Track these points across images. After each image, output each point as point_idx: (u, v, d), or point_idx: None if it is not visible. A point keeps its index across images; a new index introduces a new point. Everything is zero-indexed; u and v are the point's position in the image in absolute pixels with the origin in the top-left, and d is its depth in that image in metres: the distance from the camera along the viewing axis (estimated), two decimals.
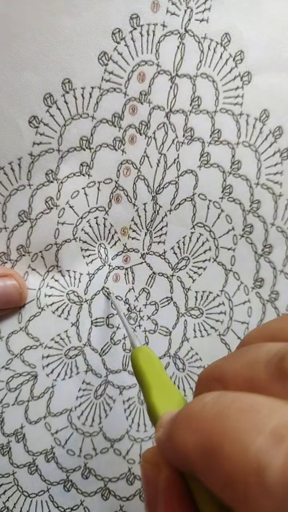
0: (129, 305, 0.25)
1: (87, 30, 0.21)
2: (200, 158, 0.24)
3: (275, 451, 0.09)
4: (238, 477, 0.09)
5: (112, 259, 0.25)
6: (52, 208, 0.23)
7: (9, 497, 0.25)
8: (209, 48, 0.22)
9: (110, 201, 0.24)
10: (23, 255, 0.24)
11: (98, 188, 0.24)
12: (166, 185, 0.24)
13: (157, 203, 0.24)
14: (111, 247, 0.25)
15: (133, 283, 0.25)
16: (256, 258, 0.26)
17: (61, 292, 0.24)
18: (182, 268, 0.25)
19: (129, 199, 0.24)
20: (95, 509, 0.26)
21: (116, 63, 0.22)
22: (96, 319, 0.25)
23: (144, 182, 0.24)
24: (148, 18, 0.22)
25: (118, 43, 0.22)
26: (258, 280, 0.26)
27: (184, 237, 0.25)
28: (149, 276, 0.25)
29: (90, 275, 0.25)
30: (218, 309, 0.26)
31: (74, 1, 0.21)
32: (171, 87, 0.23)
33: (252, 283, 0.26)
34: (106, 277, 0.25)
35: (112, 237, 0.25)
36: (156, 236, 0.25)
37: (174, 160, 0.24)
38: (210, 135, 0.24)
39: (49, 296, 0.24)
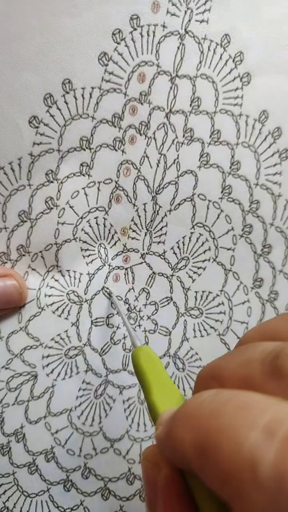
0: (129, 305, 0.25)
1: (87, 30, 0.21)
2: (199, 159, 0.24)
3: (267, 446, 0.09)
4: (233, 473, 0.09)
5: (112, 259, 0.25)
6: (52, 208, 0.23)
7: (9, 497, 0.25)
8: (209, 49, 0.23)
9: (110, 201, 0.24)
10: (23, 255, 0.24)
11: (98, 188, 0.24)
12: (166, 185, 0.24)
13: (157, 203, 0.24)
14: (111, 247, 0.25)
15: (133, 283, 0.25)
16: (256, 258, 0.26)
17: (61, 292, 0.24)
18: (182, 268, 0.26)
19: (129, 199, 0.24)
20: (95, 509, 0.26)
21: (116, 63, 0.22)
22: (96, 319, 0.25)
23: (144, 182, 0.24)
24: (148, 19, 0.22)
25: (118, 43, 0.22)
26: (257, 280, 0.26)
27: (183, 237, 0.25)
28: (149, 276, 0.25)
29: (90, 275, 0.25)
30: (218, 309, 0.26)
31: (75, 2, 0.21)
32: (171, 88, 0.23)
33: (252, 283, 0.26)
34: (106, 277, 0.25)
35: (112, 237, 0.25)
36: (156, 236, 0.25)
37: (174, 160, 0.24)
38: (210, 136, 0.24)
39: (49, 296, 0.24)
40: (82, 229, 0.24)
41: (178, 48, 0.22)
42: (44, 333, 0.24)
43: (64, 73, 0.22)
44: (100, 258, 0.25)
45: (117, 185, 0.24)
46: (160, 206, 0.24)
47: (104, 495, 0.26)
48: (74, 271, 0.24)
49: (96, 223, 0.24)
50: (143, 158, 0.24)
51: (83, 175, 0.23)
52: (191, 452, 0.11)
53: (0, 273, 0.23)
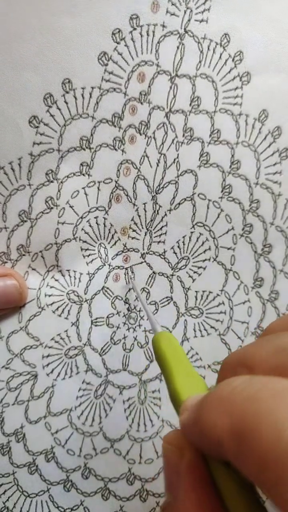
0: (129, 305, 0.25)
1: (87, 30, 0.21)
2: (199, 158, 0.24)
3: None
4: (273, 459, 0.09)
5: (112, 259, 0.25)
6: (52, 208, 0.23)
7: (9, 497, 0.25)
8: (208, 49, 0.23)
9: (110, 201, 0.24)
10: (23, 255, 0.24)
11: (98, 188, 0.24)
12: (166, 185, 0.24)
13: (157, 203, 0.24)
14: (111, 247, 0.25)
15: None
16: (256, 258, 0.26)
17: (61, 292, 0.24)
18: (182, 267, 0.25)
19: (129, 199, 0.24)
20: (95, 509, 0.26)
21: (116, 63, 0.22)
22: (96, 318, 0.25)
23: (144, 182, 0.24)
24: (148, 19, 0.22)
25: (118, 43, 0.22)
26: (258, 280, 0.26)
27: (184, 237, 0.25)
28: (149, 276, 0.25)
29: (90, 274, 0.25)
30: (218, 308, 0.26)
31: (74, 1, 0.21)
32: (170, 87, 0.23)
33: (252, 282, 0.26)
34: (106, 277, 0.25)
35: (112, 237, 0.25)
36: (156, 236, 0.25)
37: (174, 160, 0.24)
38: (210, 135, 0.24)
39: (49, 295, 0.24)
40: (82, 229, 0.24)
41: (178, 47, 0.22)
42: (44, 333, 0.24)
43: (64, 73, 0.22)
44: (100, 258, 0.25)
45: (117, 185, 0.24)
46: (160, 206, 0.24)
47: (104, 495, 0.26)
48: (74, 271, 0.24)
49: (96, 222, 0.24)
50: (143, 158, 0.24)
51: (83, 174, 0.23)
52: (226, 437, 0.10)
53: (0, 273, 0.23)
